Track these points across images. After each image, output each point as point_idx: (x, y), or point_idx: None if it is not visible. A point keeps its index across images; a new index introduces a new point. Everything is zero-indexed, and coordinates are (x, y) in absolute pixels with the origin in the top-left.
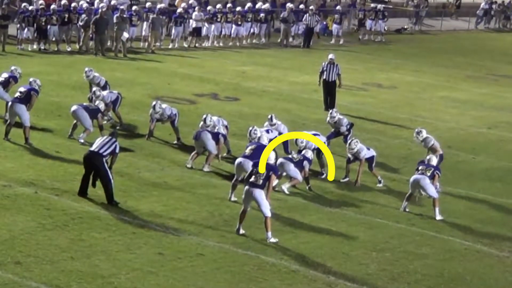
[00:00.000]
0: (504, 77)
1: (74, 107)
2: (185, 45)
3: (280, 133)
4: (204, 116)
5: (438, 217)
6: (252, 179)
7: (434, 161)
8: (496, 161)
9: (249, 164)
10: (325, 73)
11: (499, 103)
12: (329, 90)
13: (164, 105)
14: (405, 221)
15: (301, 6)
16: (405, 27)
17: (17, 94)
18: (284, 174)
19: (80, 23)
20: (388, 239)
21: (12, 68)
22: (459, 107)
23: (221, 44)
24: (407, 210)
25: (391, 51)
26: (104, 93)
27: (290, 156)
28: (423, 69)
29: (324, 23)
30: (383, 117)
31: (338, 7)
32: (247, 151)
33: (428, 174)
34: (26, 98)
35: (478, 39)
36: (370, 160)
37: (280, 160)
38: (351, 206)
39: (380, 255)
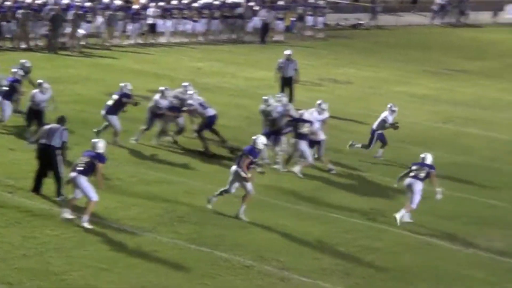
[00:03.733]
0: (459, 72)
1: None
2: (141, 41)
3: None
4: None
5: (407, 219)
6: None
7: (429, 159)
8: (451, 156)
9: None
10: (282, 69)
11: (454, 98)
12: (287, 86)
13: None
14: (359, 215)
15: (251, 3)
16: (361, 22)
17: None
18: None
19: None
20: (342, 233)
21: None
22: (415, 102)
23: (177, 40)
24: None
25: (347, 47)
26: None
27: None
28: (379, 64)
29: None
30: (339, 112)
31: (281, 2)
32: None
33: (422, 175)
34: None
35: (434, 34)
36: (318, 144)
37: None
38: (305, 202)
39: (334, 249)
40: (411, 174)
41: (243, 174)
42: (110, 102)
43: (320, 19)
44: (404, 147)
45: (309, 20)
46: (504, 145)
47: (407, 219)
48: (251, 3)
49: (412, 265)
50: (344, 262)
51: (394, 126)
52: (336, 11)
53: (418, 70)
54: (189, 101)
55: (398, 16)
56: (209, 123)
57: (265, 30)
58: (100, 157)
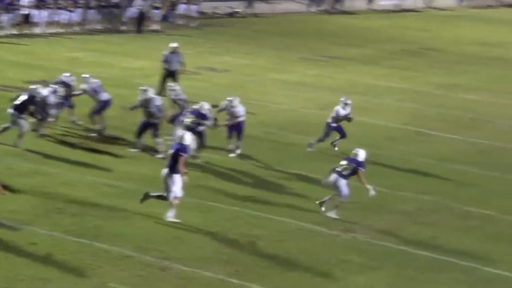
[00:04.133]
0: (335, 59)
1: None
2: (16, 32)
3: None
4: None
5: (331, 214)
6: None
7: (361, 156)
8: (327, 142)
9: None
10: (166, 62)
11: (330, 84)
12: (171, 78)
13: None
14: (239, 203)
15: None
16: (238, 10)
17: None
18: None
19: None
20: (223, 221)
21: None
22: (291, 89)
23: (52, 30)
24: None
25: (224, 35)
26: None
27: None
28: (255, 52)
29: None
30: (216, 100)
31: None
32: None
33: (346, 172)
34: None
35: (310, 22)
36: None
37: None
38: (184, 191)
39: (214, 238)
40: (337, 169)
41: (181, 171)
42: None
43: (194, 7)
44: (282, 135)
45: (182, 8)
46: (380, 130)
47: (333, 215)
48: None
49: (292, 251)
50: (225, 250)
51: (347, 118)
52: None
53: (294, 58)
54: (82, 86)
55: (275, 4)
56: (103, 106)
57: (141, 19)
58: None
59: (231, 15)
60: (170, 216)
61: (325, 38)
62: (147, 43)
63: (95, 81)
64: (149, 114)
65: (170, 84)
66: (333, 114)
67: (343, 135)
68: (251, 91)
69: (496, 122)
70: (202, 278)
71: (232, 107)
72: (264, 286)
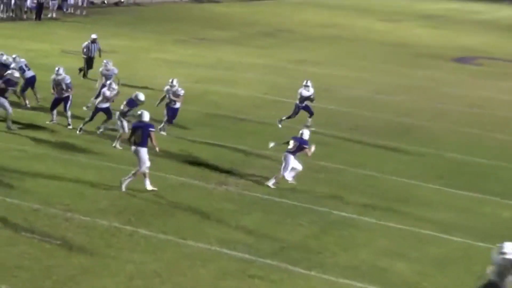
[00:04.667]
0: (204, 40)
1: None
2: None
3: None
4: None
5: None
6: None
7: (306, 135)
8: (203, 109)
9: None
10: (87, 50)
11: (202, 62)
12: (90, 64)
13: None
14: (128, 164)
15: None
16: (122, 0)
17: None
18: None
19: None
20: (116, 179)
21: None
22: (171, 67)
23: None
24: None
25: (110, 21)
26: None
27: None
28: (138, 36)
29: None
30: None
31: None
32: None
33: (292, 149)
34: None
35: (182, 9)
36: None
37: None
38: (81, 153)
39: (109, 192)
40: (289, 147)
41: (157, 149)
42: None
43: None
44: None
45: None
46: (245, 99)
47: (271, 185)
48: None
49: (175, 202)
50: (119, 203)
51: (310, 99)
52: None
53: (171, 40)
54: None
55: None
56: (29, 83)
57: (40, 9)
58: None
59: (117, 4)
60: (149, 184)
61: (196, 23)
62: (46, 28)
63: (21, 60)
64: (61, 91)
65: (104, 61)
66: (298, 96)
67: (311, 113)
68: (137, 69)
69: (338, 91)
70: (101, 226)
71: (172, 87)
72: (151, 231)
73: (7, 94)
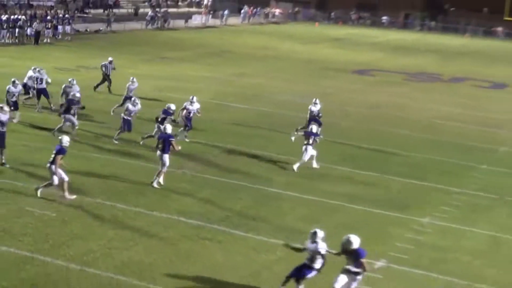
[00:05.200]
0: (165, 59)
1: None
2: None
3: None
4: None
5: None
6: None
7: (315, 129)
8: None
9: None
10: (105, 68)
11: (165, 75)
12: (107, 79)
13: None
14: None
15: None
16: (101, 28)
17: None
18: None
19: None
20: (104, 168)
21: None
22: (140, 79)
23: None
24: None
25: (92, 45)
26: None
27: None
28: (114, 56)
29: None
30: (90, 88)
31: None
32: None
33: (310, 141)
34: None
35: (148, 35)
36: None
37: None
38: (89, 146)
39: (96, 178)
40: (305, 142)
41: (177, 148)
42: None
43: (68, 27)
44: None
45: (60, 28)
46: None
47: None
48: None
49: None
50: (101, 186)
51: (318, 115)
52: (85, 21)
53: (140, 59)
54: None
55: (125, 23)
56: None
57: (37, 36)
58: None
59: (97, 32)
60: (161, 181)
61: (159, 46)
62: (42, 51)
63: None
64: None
65: (132, 78)
66: (308, 111)
67: (319, 124)
68: (116, 82)
69: (269, 97)
70: (87, 202)
71: (191, 103)
72: (127, 205)
73: (72, 111)
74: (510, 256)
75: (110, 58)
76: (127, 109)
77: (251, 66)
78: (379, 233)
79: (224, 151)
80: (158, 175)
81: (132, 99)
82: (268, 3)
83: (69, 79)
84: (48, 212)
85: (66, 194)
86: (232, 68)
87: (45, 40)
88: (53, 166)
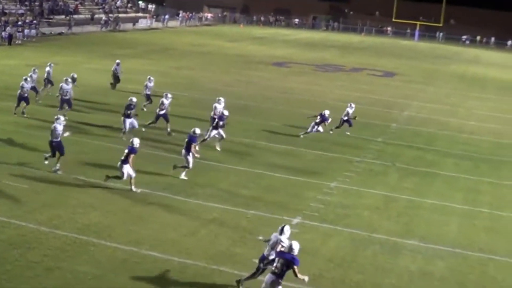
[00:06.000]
0: (118, 55)
1: None
2: None
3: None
4: None
5: None
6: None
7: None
8: (119, 101)
9: None
10: (115, 70)
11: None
12: (117, 80)
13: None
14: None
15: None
16: (63, 31)
17: None
18: None
19: None
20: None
21: None
22: (96, 73)
23: None
24: None
25: (56, 45)
26: None
27: None
28: (74, 54)
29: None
30: (57, 82)
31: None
32: None
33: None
34: None
35: (102, 36)
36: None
37: None
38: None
39: (72, 157)
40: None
41: (197, 155)
42: None
43: (33, 31)
44: (94, 98)
45: (28, 31)
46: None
47: None
48: (2, 22)
49: None
50: (69, 165)
51: (354, 117)
52: (50, 26)
53: (95, 56)
54: None
55: (84, 26)
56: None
57: (10, 38)
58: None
59: (60, 34)
60: (184, 175)
61: (111, 45)
62: (15, 51)
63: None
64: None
65: (149, 77)
66: (345, 113)
67: (350, 125)
68: (78, 76)
69: (202, 85)
70: (59, 176)
71: (219, 103)
72: (90, 178)
73: (131, 115)
74: (399, 210)
75: (117, 61)
76: (162, 104)
77: (187, 60)
78: (296, 195)
79: (166, 131)
80: (186, 166)
81: (164, 94)
82: (201, 9)
83: (70, 75)
84: (23, 185)
85: (133, 187)
86: (172, 62)
87: (17, 42)
88: (125, 164)
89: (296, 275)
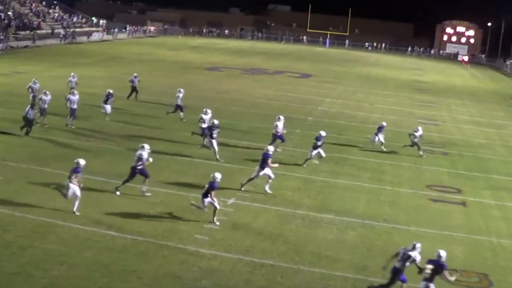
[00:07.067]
0: (77, 64)
1: None
2: None
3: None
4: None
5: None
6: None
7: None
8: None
9: None
10: (132, 82)
11: (79, 76)
12: (135, 90)
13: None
14: None
15: None
16: (28, 44)
17: None
18: None
19: None
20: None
21: None
22: (55, 79)
23: None
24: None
25: (22, 56)
26: None
27: None
28: (38, 63)
29: None
30: (17, 86)
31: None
32: None
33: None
34: None
35: (62, 48)
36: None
37: None
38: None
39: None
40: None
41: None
42: None
43: (1, 45)
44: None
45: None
46: (97, 96)
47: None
48: None
49: None
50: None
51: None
52: (17, 39)
53: (56, 65)
54: None
55: (45, 40)
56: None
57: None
58: None
59: (25, 47)
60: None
61: (69, 55)
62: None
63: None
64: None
65: (179, 89)
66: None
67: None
68: (41, 82)
69: (147, 88)
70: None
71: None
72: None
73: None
74: (317, 190)
75: (135, 74)
76: (201, 118)
77: (134, 67)
78: (230, 180)
79: (120, 129)
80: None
81: (204, 110)
82: (145, 23)
83: (107, 91)
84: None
85: (215, 219)
86: (122, 69)
87: None
88: (206, 199)
89: (446, 279)
